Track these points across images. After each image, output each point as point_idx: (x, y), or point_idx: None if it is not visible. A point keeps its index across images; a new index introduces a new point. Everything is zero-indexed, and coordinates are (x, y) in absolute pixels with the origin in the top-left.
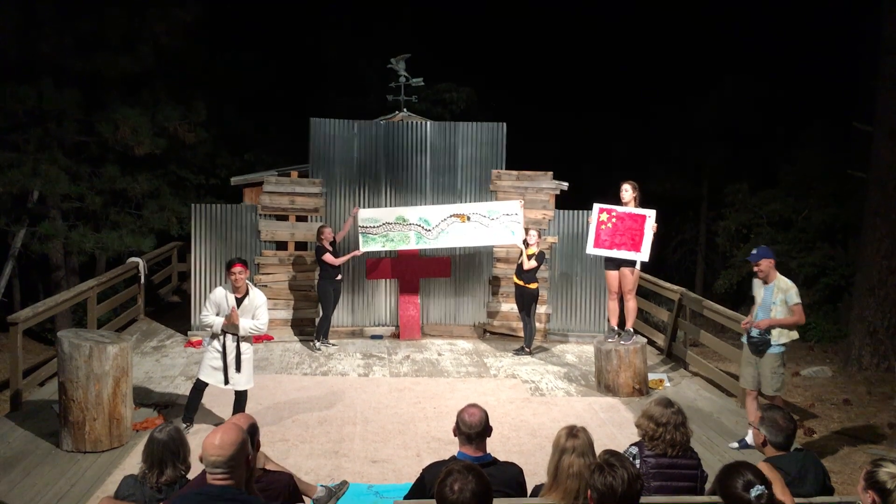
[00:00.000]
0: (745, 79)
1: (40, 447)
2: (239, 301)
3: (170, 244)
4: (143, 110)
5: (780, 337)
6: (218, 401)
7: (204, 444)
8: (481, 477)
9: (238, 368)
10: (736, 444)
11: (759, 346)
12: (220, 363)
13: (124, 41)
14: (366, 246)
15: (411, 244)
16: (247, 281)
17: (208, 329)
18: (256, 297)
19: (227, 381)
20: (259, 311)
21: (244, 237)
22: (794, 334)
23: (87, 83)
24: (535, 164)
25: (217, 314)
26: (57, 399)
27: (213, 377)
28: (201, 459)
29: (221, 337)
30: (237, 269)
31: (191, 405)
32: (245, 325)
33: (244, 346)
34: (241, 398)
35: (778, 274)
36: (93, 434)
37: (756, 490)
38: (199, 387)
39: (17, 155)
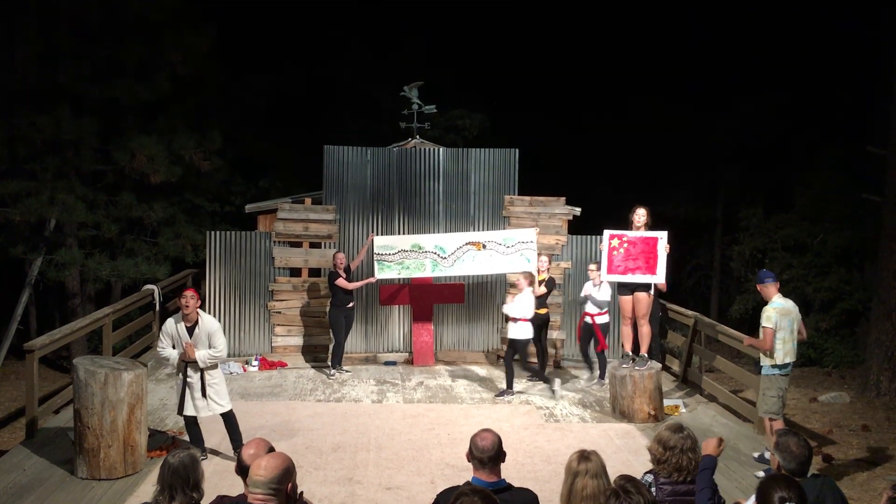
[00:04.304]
0: (760, 100)
1: (55, 474)
2: (190, 330)
3: (185, 271)
4: (159, 138)
5: (762, 359)
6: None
7: (252, 464)
8: (488, 499)
9: (203, 394)
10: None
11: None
12: (188, 393)
13: (141, 69)
14: (381, 273)
15: (427, 272)
16: (198, 309)
17: (165, 363)
18: (208, 323)
19: (198, 410)
20: (214, 337)
21: (258, 264)
22: (771, 359)
23: (104, 111)
24: (547, 188)
25: (173, 346)
26: (72, 426)
27: (189, 408)
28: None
29: (183, 367)
30: (189, 293)
31: (193, 438)
32: (202, 356)
33: (209, 374)
34: (228, 420)
35: (773, 297)
36: (107, 461)
37: None
38: (189, 422)
39: (34, 184)
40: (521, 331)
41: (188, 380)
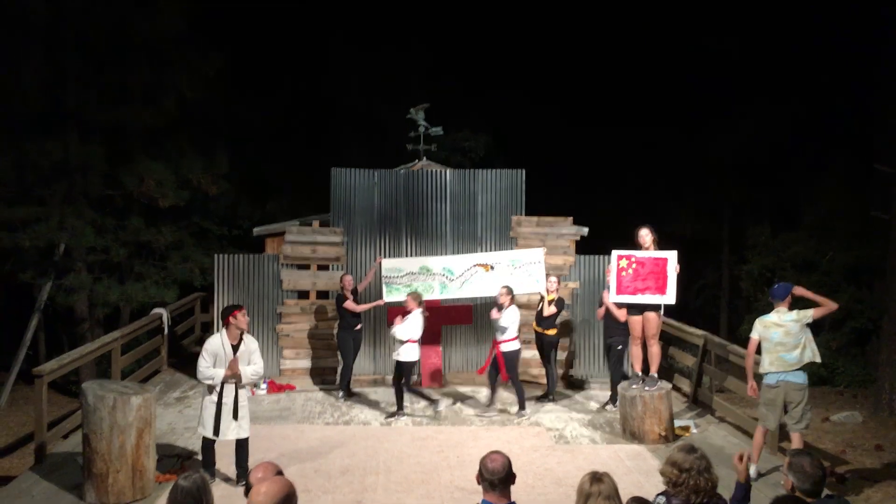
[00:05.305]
0: (763, 114)
1: (64, 500)
2: (235, 348)
3: (193, 295)
4: (167, 163)
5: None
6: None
7: (252, 489)
8: None
9: (236, 415)
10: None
11: None
12: (220, 414)
13: (148, 94)
14: (390, 296)
15: (435, 294)
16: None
17: (208, 381)
18: (251, 341)
19: (225, 432)
20: (255, 355)
21: (266, 287)
22: (762, 367)
23: (112, 136)
24: (552, 208)
25: (214, 365)
26: (81, 451)
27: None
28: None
29: (219, 387)
30: (244, 311)
31: (207, 461)
32: (247, 371)
33: (242, 393)
34: (241, 447)
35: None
36: (116, 486)
37: None
38: (208, 444)
39: (43, 209)
40: (408, 353)
41: (223, 400)
